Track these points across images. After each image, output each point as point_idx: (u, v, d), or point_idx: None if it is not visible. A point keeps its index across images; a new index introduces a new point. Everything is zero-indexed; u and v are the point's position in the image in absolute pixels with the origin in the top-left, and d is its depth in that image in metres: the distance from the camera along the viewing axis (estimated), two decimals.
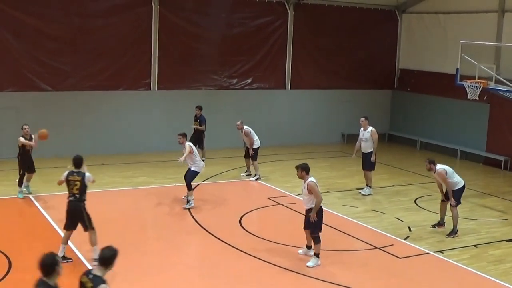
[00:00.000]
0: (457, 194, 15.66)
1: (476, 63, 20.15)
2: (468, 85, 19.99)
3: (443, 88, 25.99)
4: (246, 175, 20.82)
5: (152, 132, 23.91)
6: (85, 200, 12.91)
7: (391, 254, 14.08)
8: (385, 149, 26.97)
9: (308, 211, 13.21)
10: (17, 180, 17.65)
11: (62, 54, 22.59)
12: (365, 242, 14.81)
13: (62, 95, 22.69)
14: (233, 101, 25.63)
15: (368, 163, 19.25)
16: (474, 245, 15.00)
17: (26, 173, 17.52)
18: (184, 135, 17.08)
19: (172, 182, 19.45)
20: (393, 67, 29.67)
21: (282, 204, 17.69)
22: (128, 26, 23.52)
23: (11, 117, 21.75)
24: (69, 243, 13.19)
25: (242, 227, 15.56)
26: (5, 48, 21.77)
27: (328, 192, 19.34)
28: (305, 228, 13.49)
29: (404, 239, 15.25)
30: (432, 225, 16.16)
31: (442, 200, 16.12)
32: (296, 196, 18.28)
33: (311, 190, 13.01)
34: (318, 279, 12.60)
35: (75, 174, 12.96)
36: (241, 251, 13.90)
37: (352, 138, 28.00)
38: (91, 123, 23.20)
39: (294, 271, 12.88)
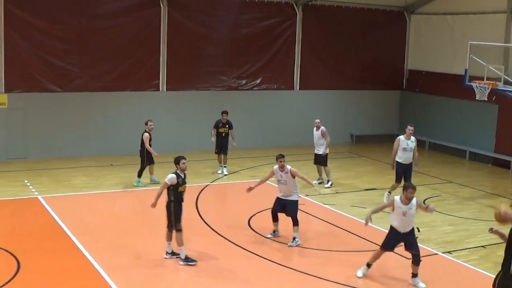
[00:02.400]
0: None
1: (484, 64, 20.13)
2: (476, 86, 19.94)
3: (451, 89, 25.95)
4: (319, 183, 19.96)
5: (160, 133, 23.86)
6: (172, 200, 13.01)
7: (400, 255, 14.04)
8: None
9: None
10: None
11: (70, 55, 22.67)
12: (374, 243, 14.76)
13: (70, 96, 22.77)
14: (242, 102, 25.65)
15: (411, 175, 18.15)
16: (482, 246, 14.97)
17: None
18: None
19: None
20: (401, 68, 29.65)
21: None
22: (136, 27, 23.58)
23: (18, 118, 21.84)
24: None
25: (251, 228, 15.56)
26: (13, 49, 21.85)
27: (337, 193, 19.34)
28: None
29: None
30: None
31: None
32: (305, 197, 18.28)
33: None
34: (326, 279, 12.60)
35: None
36: (250, 251, 13.92)
37: (361, 139, 28.12)
38: (100, 123, 23.28)
39: (304, 272, 12.92)
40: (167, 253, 13.35)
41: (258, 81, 26.18)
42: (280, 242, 14.60)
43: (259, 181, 15.18)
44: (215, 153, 21.25)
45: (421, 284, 12.51)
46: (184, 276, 12.66)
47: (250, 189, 14.94)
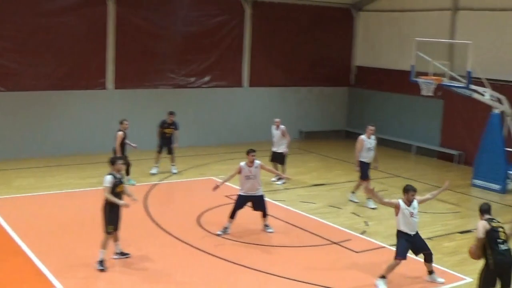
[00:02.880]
0: None
1: (430, 60, 20.47)
2: (422, 82, 20.27)
3: (398, 84, 26.33)
4: (277, 179, 20.12)
5: (108, 132, 23.65)
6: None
7: (348, 249, 14.24)
8: (343, 146, 27.27)
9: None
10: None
11: (14, 54, 22.19)
12: (323, 238, 14.95)
13: (15, 96, 22.29)
14: (191, 99, 25.62)
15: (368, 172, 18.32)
16: (429, 238, 15.19)
17: None
18: None
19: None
20: (349, 65, 29.97)
21: None
22: (83, 25, 23.25)
23: None
24: None
25: (201, 226, 15.58)
26: None
27: (287, 189, 19.47)
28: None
29: (361, 234, 15.43)
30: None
31: None
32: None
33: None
34: (278, 275, 12.68)
35: None
36: (200, 250, 13.94)
37: (310, 135, 28.33)
38: (46, 123, 22.88)
39: (254, 269, 12.97)
40: (115, 253, 13.29)
41: (207, 78, 26.16)
42: (230, 240, 14.64)
43: (225, 178, 15.20)
44: (157, 152, 20.79)
45: (440, 279, 12.69)
46: (133, 277, 12.58)
47: (216, 187, 15.01)
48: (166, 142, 20.76)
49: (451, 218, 17.15)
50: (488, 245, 10.78)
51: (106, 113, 23.57)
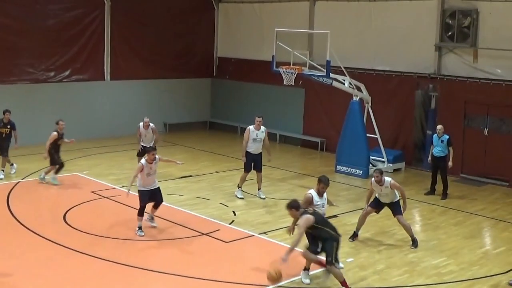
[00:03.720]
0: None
1: (290, 50, 20.83)
2: (284, 71, 20.59)
3: (260, 75, 26.65)
4: None
5: None
6: None
7: (218, 239, 14.33)
8: (207, 137, 27.43)
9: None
10: None
11: None
12: (192, 229, 14.96)
13: None
14: (51, 94, 24.90)
15: (261, 164, 18.10)
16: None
17: None
18: None
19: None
20: (211, 56, 30.06)
21: (107, 197, 17.49)
22: None
23: None
24: None
25: (67, 223, 15.22)
26: None
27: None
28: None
29: (230, 224, 15.57)
30: (350, 239, 14.60)
31: (371, 208, 14.65)
32: (121, 188, 18.14)
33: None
34: (147, 269, 12.59)
35: None
36: (68, 248, 13.60)
37: (174, 127, 28.26)
38: None
39: (122, 264, 12.80)
40: None
41: (67, 72, 25.48)
42: (99, 236, 14.40)
43: (130, 180, 14.94)
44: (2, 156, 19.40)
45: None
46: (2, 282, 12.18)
47: (128, 193, 14.82)
48: (2, 143, 19.37)
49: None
50: (321, 229, 11.67)
51: None
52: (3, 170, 19.42)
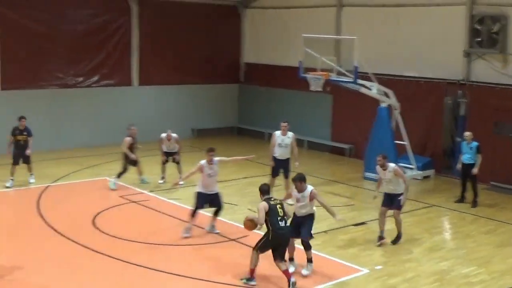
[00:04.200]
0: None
1: (318, 55, 20.78)
2: (311, 77, 20.56)
3: (288, 80, 26.59)
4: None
5: None
6: None
7: (246, 245, 14.30)
8: (235, 142, 27.41)
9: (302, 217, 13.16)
10: None
11: None
12: (220, 235, 14.97)
13: None
14: (80, 99, 25.11)
15: (288, 170, 17.88)
16: (324, 231, 15.50)
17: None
18: None
19: (17, 186, 18.78)
20: (238, 62, 30.10)
21: (135, 202, 17.56)
22: None
23: None
24: None
25: (96, 227, 15.30)
26: None
27: (182, 187, 19.35)
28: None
29: (258, 230, 15.51)
30: (377, 243, 14.76)
31: (383, 206, 14.94)
32: (149, 194, 18.22)
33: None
34: (173, 274, 12.61)
35: None
36: (96, 251, 13.68)
37: (202, 133, 28.32)
38: None
39: (149, 268, 12.83)
40: None
41: (95, 77, 25.68)
42: (128, 240, 14.45)
43: (186, 175, 15.66)
44: (12, 164, 18.92)
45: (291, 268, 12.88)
46: (33, 284, 12.24)
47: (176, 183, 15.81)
48: (20, 151, 19.02)
49: (345, 211, 17.48)
50: (270, 221, 12.05)
51: None
52: (12, 179, 18.90)
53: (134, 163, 19.36)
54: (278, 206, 12.27)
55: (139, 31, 26.55)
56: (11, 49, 23.42)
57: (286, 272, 12.06)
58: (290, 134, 17.88)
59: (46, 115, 23.71)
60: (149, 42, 26.90)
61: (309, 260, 12.99)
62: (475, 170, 18.14)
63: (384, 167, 14.58)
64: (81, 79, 25.31)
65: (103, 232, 15.01)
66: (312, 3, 26.55)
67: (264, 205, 12.19)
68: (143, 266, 12.91)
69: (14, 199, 18.05)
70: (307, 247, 12.93)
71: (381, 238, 14.80)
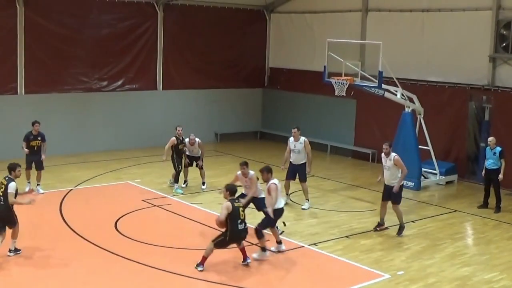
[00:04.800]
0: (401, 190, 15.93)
1: (342, 60, 20.73)
2: (335, 82, 20.52)
3: (312, 85, 26.59)
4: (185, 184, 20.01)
5: (19, 138, 23.04)
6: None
7: (268, 250, 14.29)
8: (258, 147, 27.42)
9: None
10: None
11: None
12: (246, 240, 14.96)
13: None
14: (104, 103, 25.25)
15: (304, 174, 18.16)
16: (346, 236, 15.48)
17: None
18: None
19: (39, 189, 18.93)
20: (263, 66, 30.14)
21: (158, 206, 17.62)
22: None
23: None
24: None
25: (118, 231, 15.38)
26: None
27: (204, 191, 19.42)
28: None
29: (280, 234, 15.52)
30: (374, 228, 16.07)
31: (383, 201, 16.14)
32: (172, 197, 18.30)
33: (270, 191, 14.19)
34: (194, 278, 12.64)
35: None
36: (117, 255, 13.75)
37: (225, 137, 28.37)
38: None
39: (170, 272, 12.87)
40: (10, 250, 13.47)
41: (120, 82, 25.82)
42: (150, 244, 14.51)
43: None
44: (26, 169, 18.28)
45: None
46: (55, 286, 12.34)
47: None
48: (33, 157, 18.67)
49: (367, 216, 17.43)
50: (230, 221, 12.78)
51: (17, 118, 22.97)
52: (29, 183, 18.84)
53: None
54: (240, 209, 13.01)
55: (164, 36, 26.68)
56: (35, 53, 23.59)
57: (242, 250, 13.28)
58: (302, 139, 17.97)
59: (69, 119, 23.90)
60: (174, 46, 27.00)
61: (262, 249, 13.80)
62: (500, 176, 18.00)
63: (388, 156, 15.78)
64: (105, 83, 25.45)
65: (124, 235, 15.08)
66: (337, 8, 26.53)
67: (227, 205, 12.83)
68: (164, 270, 12.94)
69: (37, 202, 18.16)
70: (258, 235, 13.78)
71: (380, 224, 16.06)
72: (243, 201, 14.28)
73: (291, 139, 18.07)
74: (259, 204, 14.98)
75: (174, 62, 27.11)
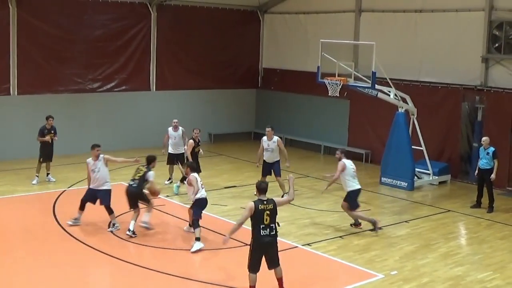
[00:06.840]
0: (353, 196, 16.23)
1: (335, 61, 20.78)
2: (328, 83, 20.58)
3: (305, 86, 26.65)
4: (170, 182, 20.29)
5: (13, 139, 23.09)
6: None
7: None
8: (252, 147, 27.33)
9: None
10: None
11: None
12: (236, 240, 14.95)
13: None
14: (98, 104, 25.26)
15: (278, 170, 18.96)
16: (340, 237, 15.52)
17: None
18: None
19: (36, 190, 18.91)
20: (256, 67, 30.16)
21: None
22: None
23: None
24: None
25: (112, 232, 15.38)
26: None
27: None
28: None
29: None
30: (351, 224, 16.47)
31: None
32: (165, 198, 18.29)
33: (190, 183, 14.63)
34: (188, 278, 12.67)
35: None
36: (111, 256, 13.76)
37: (219, 138, 28.38)
38: None
39: (164, 272, 12.90)
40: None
41: (114, 83, 25.82)
42: (139, 244, 14.50)
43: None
44: (39, 161, 19.92)
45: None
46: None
47: None
48: (48, 149, 20.12)
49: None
50: (253, 227, 11.42)
51: (10, 119, 22.97)
52: (37, 176, 19.88)
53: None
54: (266, 212, 11.26)
55: (157, 36, 26.68)
56: (29, 53, 23.61)
57: (279, 281, 11.81)
58: (275, 138, 18.79)
59: (62, 120, 23.76)
60: (167, 47, 27.03)
61: (197, 239, 14.15)
62: (493, 176, 18.07)
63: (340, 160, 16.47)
64: (99, 84, 25.43)
65: (118, 237, 15.08)
66: (330, 8, 26.59)
67: (251, 206, 11.29)
68: (155, 270, 12.96)
69: (31, 203, 18.14)
70: (194, 226, 14.31)
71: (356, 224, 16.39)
72: None
73: (265, 138, 18.85)
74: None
75: (168, 62, 27.13)
